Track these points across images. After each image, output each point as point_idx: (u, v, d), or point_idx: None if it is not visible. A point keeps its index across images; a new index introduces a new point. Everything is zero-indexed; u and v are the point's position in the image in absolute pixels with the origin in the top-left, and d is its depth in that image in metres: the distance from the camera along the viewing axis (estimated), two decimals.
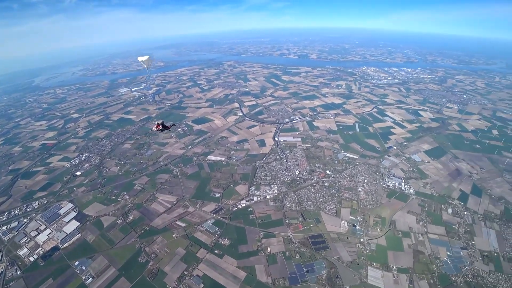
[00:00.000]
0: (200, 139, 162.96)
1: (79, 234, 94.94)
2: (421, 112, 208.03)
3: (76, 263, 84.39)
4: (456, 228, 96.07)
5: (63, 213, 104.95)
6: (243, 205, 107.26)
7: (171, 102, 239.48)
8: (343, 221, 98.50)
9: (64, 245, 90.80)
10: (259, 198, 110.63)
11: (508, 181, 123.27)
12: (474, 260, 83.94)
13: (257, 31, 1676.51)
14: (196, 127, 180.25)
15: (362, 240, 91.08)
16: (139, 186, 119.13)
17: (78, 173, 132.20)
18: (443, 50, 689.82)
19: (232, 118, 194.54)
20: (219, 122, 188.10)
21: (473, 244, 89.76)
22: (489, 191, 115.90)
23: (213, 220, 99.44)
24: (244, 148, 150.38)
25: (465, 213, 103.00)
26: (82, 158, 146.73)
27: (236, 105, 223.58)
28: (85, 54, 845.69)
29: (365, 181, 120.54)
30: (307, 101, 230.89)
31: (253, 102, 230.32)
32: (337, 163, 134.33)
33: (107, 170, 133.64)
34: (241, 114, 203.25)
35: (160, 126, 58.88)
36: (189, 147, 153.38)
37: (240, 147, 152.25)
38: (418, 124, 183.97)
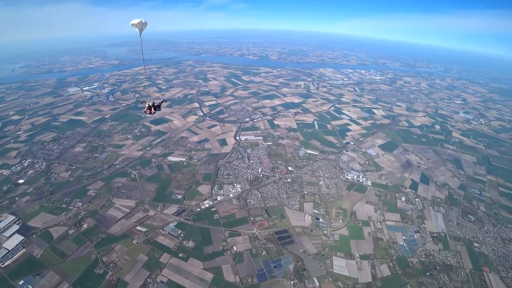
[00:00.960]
0: (159, 140, 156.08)
1: (24, 249, 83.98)
2: (374, 110, 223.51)
3: (21, 282, 74.11)
4: (409, 214, 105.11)
5: (3, 227, 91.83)
6: (207, 205, 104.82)
7: (127, 102, 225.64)
8: (306, 215, 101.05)
9: (6, 263, 79.32)
10: (222, 198, 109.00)
11: (450, 170, 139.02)
12: (426, 242, 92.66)
13: (217, 31, 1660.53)
14: (155, 127, 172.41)
15: (325, 232, 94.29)
16: (94, 192, 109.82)
17: (21, 181, 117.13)
18: (392, 54, 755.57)
19: (192, 118, 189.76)
20: (179, 122, 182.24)
21: (424, 228, 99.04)
22: (435, 179, 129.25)
23: (175, 223, 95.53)
24: (205, 148, 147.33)
25: (416, 200, 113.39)
26: (25, 164, 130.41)
27: (196, 105, 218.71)
28: (28, 49, 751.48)
29: (326, 175, 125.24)
30: (267, 101, 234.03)
31: (214, 102, 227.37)
32: (298, 160, 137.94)
33: (55, 176, 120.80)
34: (201, 114, 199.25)
35: (152, 109, 48.21)
36: (148, 148, 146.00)
37: (201, 147, 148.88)
38: (372, 121, 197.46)
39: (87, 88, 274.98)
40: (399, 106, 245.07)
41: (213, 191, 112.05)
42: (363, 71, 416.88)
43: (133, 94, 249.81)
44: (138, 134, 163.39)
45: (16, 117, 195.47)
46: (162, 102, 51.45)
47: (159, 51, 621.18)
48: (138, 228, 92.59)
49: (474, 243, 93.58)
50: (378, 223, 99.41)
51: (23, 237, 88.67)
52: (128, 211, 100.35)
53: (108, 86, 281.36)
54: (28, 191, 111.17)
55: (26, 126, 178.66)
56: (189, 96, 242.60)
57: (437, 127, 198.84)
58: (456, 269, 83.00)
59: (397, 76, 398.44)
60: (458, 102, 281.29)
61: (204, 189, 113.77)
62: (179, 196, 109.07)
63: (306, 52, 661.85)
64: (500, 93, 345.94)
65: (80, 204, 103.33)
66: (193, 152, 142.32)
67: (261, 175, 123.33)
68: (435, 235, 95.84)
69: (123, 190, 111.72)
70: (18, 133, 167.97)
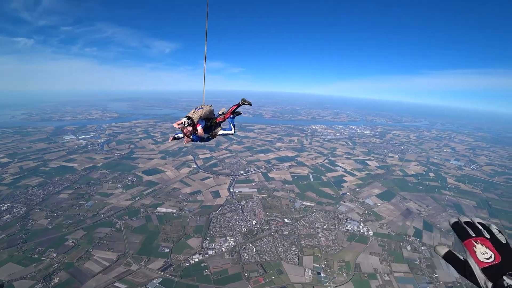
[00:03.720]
0: (150, 190, 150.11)
1: None
2: (368, 162, 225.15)
3: None
4: (418, 263, 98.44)
5: None
6: (196, 260, 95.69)
7: (121, 152, 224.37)
8: (306, 270, 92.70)
9: None
10: (214, 252, 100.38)
11: (451, 215, 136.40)
12: None
13: (214, 92, 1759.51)
14: (146, 178, 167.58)
15: (329, 287, 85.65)
16: (72, 242, 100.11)
17: None
18: (379, 111, 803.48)
19: (185, 170, 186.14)
20: (172, 173, 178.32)
21: (436, 277, 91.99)
22: (438, 225, 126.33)
23: (160, 279, 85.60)
24: (198, 200, 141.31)
25: (423, 248, 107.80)
26: (3, 209, 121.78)
27: (190, 157, 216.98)
28: (32, 98, 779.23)
29: (324, 227, 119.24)
30: (262, 154, 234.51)
31: (208, 155, 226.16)
32: (294, 212, 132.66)
33: (33, 222, 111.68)
34: (195, 166, 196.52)
35: (195, 130, 20.72)
36: (137, 198, 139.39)
37: (193, 198, 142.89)
38: (366, 172, 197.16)
39: (83, 136, 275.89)
40: (392, 157, 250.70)
41: (203, 245, 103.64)
42: (353, 127, 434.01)
43: (128, 145, 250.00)
44: (129, 183, 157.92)
45: (5, 160, 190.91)
46: (237, 106, 24.95)
47: (158, 108, 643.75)
48: (116, 284, 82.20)
49: None
50: (386, 275, 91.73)
51: None
52: (108, 264, 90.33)
53: (104, 136, 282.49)
54: (0, 237, 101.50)
55: (13, 169, 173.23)
56: (184, 149, 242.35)
57: (432, 174, 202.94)
58: None
59: (386, 130, 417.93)
60: (448, 150, 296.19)
61: (194, 242, 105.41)
62: (167, 250, 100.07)
63: (298, 111, 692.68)
64: (485, 141, 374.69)
65: (55, 255, 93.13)
66: (185, 204, 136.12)
67: (255, 228, 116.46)
68: (450, 285, 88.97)
69: (105, 241, 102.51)
70: (4, 175, 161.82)
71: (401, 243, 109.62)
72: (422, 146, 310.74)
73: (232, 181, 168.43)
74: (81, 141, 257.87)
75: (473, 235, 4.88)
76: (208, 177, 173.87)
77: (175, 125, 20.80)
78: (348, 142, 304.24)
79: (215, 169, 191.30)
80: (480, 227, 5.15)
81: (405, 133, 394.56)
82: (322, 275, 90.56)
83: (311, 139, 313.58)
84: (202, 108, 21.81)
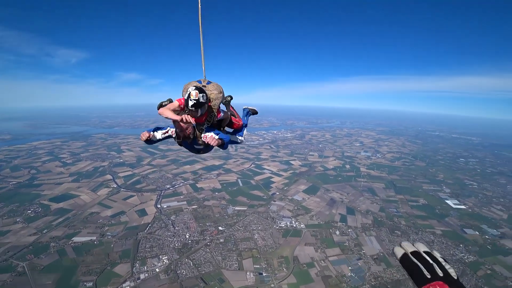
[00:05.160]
0: (61, 219, 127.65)
1: None
2: (291, 162, 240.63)
3: None
4: (347, 244, 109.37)
5: None
6: None
7: (18, 180, 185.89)
8: (248, 273, 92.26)
9: None
10: (147, 275, 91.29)
11: (367, 198, 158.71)
12: (370, 266, 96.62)
13: (131, 105, 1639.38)
14: (55, 206, 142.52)
15: (272, 285, 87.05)
16: None
17: None
18: (297, 115, 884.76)
19: (104, 191, 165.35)
20: (87, 197, 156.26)
21: (364, 253, 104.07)
22: (358, 208, 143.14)
23: None
24: (121, 222, 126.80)
25: (349, 230, 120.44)
26: None
27: (109, 177, 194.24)
28: None
29: (259, 228, 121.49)
30: (188, 166, 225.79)
31: (129, 172, 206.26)
32: (227, 218, 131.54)
33: None
34: (115, 185, 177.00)
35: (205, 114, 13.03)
36: (44, 231, 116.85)
37: (116, 221, 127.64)
38: (291, 171, 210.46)
39: None
40: (312, 155, 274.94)
41: (134, 269, 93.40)
42: (275, 131, 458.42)
43: (28, 170, 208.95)
44: (32, 215, 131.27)
45: None
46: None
47: (65, 125, 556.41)
48: None
49: None
50: (322, 261, 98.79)
51: None
52: None
53: None
54: None
55: None
56: (100, 169, 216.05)
57: (347, 166, 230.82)
58: (404, 281, 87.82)
59: (305, 132, 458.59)
60: (357, 144, 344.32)
61: (122, 269, 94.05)
62: (89, 284, 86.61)
63: None
64: (384, 134, 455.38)
65: None
66: (106, 228, 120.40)
67: (189, 241, 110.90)
68: (375, 257, 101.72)
69: None
70: None
71: (330, 230, 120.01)
72: (337, 143, 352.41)
73: (158, 197, 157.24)
74: None
75: (429, 276, 4.43)
76: (132, 196, 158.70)
77: (164, 111, 12.49)
78: (272, 146, 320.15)
79: (138, 186, 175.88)
80: (428, 257, 4.70)
81: (322, 133, 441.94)
82: (264, 274, 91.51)
83: (236, 146, 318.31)
84: (211, 83, 13.10)
